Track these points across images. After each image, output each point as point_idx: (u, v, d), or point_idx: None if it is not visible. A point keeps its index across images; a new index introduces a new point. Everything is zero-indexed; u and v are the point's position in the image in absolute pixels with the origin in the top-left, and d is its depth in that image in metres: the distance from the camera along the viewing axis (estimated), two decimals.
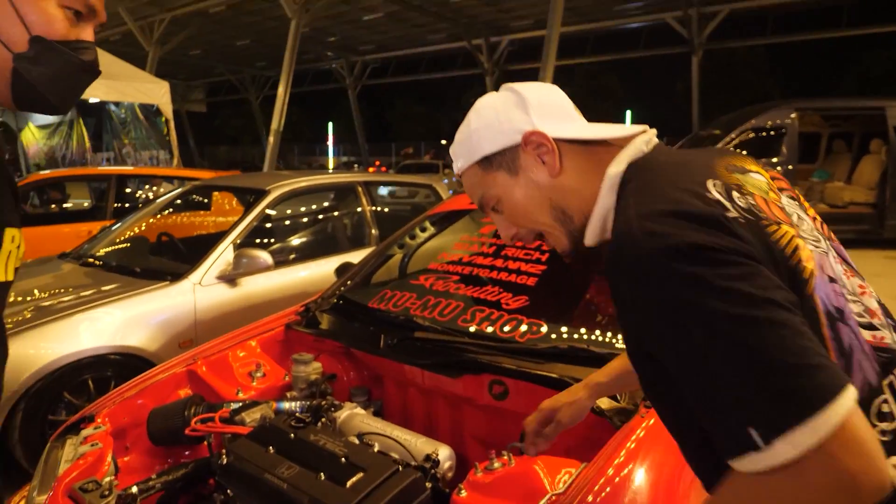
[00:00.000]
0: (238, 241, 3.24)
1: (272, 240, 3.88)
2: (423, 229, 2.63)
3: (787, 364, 0.59)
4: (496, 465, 1.33)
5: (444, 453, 1.45)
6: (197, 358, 2.01)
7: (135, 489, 1.44)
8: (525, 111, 0.90)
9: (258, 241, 3.66)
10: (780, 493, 0.60)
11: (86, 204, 7.25)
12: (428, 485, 1.30)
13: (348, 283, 2.44)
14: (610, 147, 0.89)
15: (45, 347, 2.55)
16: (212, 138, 38.44)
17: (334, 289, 2.41)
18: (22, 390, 2.45)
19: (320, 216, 4.39)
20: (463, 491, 1.29)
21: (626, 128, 0.91)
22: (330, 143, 30.92)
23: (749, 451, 0.59)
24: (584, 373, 1.42)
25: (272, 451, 1.39)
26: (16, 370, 2.44)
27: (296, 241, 4.09)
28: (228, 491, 1.48)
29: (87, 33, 0.88)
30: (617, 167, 0.85)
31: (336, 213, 4.38)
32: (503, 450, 1.40)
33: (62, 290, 2.97)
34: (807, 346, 0.60)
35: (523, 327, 1.77)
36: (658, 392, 0.81)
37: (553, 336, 1.72)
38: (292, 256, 3.79)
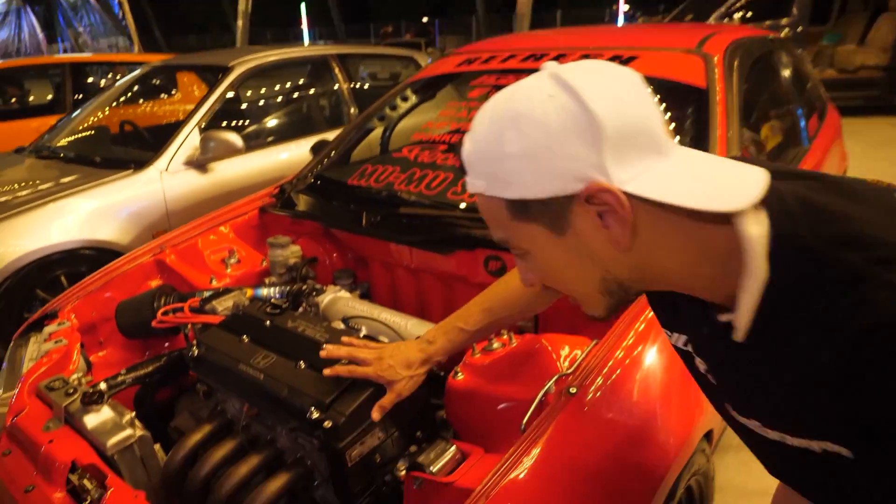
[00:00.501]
0: (203, 124, 2.97)
1: (243, 122, 3.59)
2: (405, 98, 2.38)
3: None
4: (496, 345, 1.21)
5: None
6: (164, 246, 1.85)
7: (103, 385, 1.32)
8: (595, 145, 0.58)
9: (227, 123, 3.38)
10: None
11: (49, 97, 6.80)
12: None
13: (325, 160, 2.23)
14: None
15: (7, 245, 2.37)
16: (178, 27, 35.89)
17: (310, 167, 2.20)
18: None
19: (293, 95, 4.06)
20: (459, 374, 1.17)
21: (744, 177, 0.60)
22: (304, 25, 29.05)
23: None
24: None
25: (246, 340, 1.26)
26: None
27: (268, 122, 3.80)
28: None
29: None
30: (759, 226, 0.57)
31: (311, 92, 4.05)
32: (503, 328, 1.27)
33: (19, 186, 2.74)
34: None
35: None
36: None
37: None
38: (267, 139, 3.52)
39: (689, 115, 1.65)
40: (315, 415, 1.03)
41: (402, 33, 25.42)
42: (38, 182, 2.73)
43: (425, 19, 30.09)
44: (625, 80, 0.62)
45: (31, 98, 6.73)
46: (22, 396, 1.33)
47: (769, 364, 0.61)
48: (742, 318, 0.59)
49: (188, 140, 2.88)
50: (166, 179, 2.79)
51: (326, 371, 1.07)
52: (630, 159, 0.59)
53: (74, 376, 1.37)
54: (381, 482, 1.10)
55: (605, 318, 0.72)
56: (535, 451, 0.92)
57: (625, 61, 1.83)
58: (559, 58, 1.93)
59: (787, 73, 2.29)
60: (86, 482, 1.09)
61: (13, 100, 6.45)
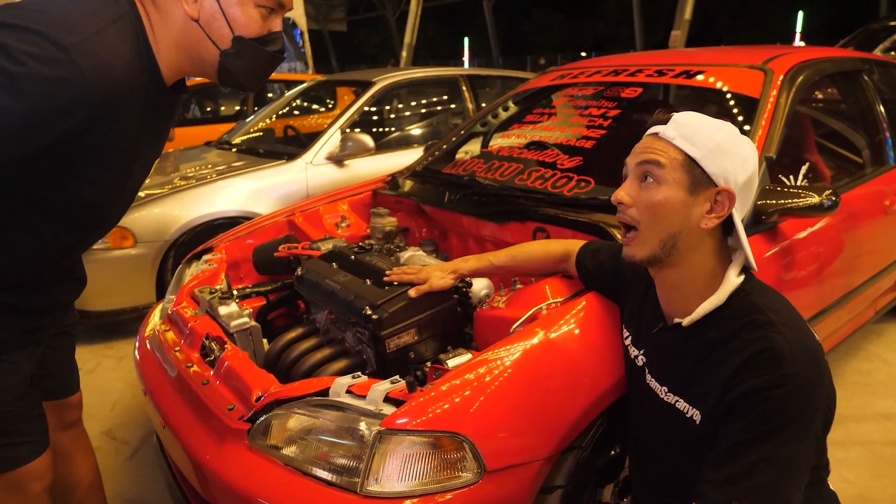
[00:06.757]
0: (345, 128, 3.55)
1: (379, 129, 4.17)
2: (506, 108, 2.73)
3: None
4: (518, 286, 1.51)
5: (481, 283, 1.65)
6: (296, 211, 2.35)
7: (235, 292, 1.80)
8: (744, 174, 0.98)
9: (366, 129, 3.95)
10: None
11: (236, 108, 8.11)
12: (455, 296, 1.52)
13: (434, 155, 2.64)
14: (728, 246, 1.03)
15: (188, 209, 3.06)
16: (352, 58, 39.55)
17: (420, 161, 2.62)
18: (171, 240, 2.99)
19: (425, 108, 4.60)
20: (485, 304, 1.48)
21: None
22: (466, 58, 30.69)
23: None
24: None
25: (335, 266, 1.67)
26: (165, 225, 2.98)
27: (400, 130, 4.35)
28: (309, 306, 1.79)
29: (276, 24, 1.02)
30: (738, 278, 0.99)
31: (439, 108, 4.56)
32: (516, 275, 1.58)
33: (201, 167, 3.48)
34: None
35: (573, 184, 1.87)
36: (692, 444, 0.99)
37: (597, 191, 1.80)
38: (397, 144, 4.05)
39: (739, 121, 1.82)
40: (368, 311, 1.40)
41: (559, 64, 25.84)
42: (214, 165, 3.46)
43: (584, 54, 30.37)
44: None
45: (223, 108, 8.10)
46: (182, 296, 1.85)
47: (700, 349, 0.99)
48: (695, 316, 0.99)
49: (331, 139, 3.47)
50: (310, 170, 3.38)
51: (385, 279, 1.50)
52: (745, 195, 1.01)
53: (217, 287, 1.87)
54: (414, 374, 1.43)
55: (639, 262, 1.03)
56: (516, 347, 1.21)
57: (691, 75, 2.03)
58: (636, 73, 2.17)
59: (873, 94, 2.30)
60: (213, 345, 1.54)
61: (208, 109, 7.84)
